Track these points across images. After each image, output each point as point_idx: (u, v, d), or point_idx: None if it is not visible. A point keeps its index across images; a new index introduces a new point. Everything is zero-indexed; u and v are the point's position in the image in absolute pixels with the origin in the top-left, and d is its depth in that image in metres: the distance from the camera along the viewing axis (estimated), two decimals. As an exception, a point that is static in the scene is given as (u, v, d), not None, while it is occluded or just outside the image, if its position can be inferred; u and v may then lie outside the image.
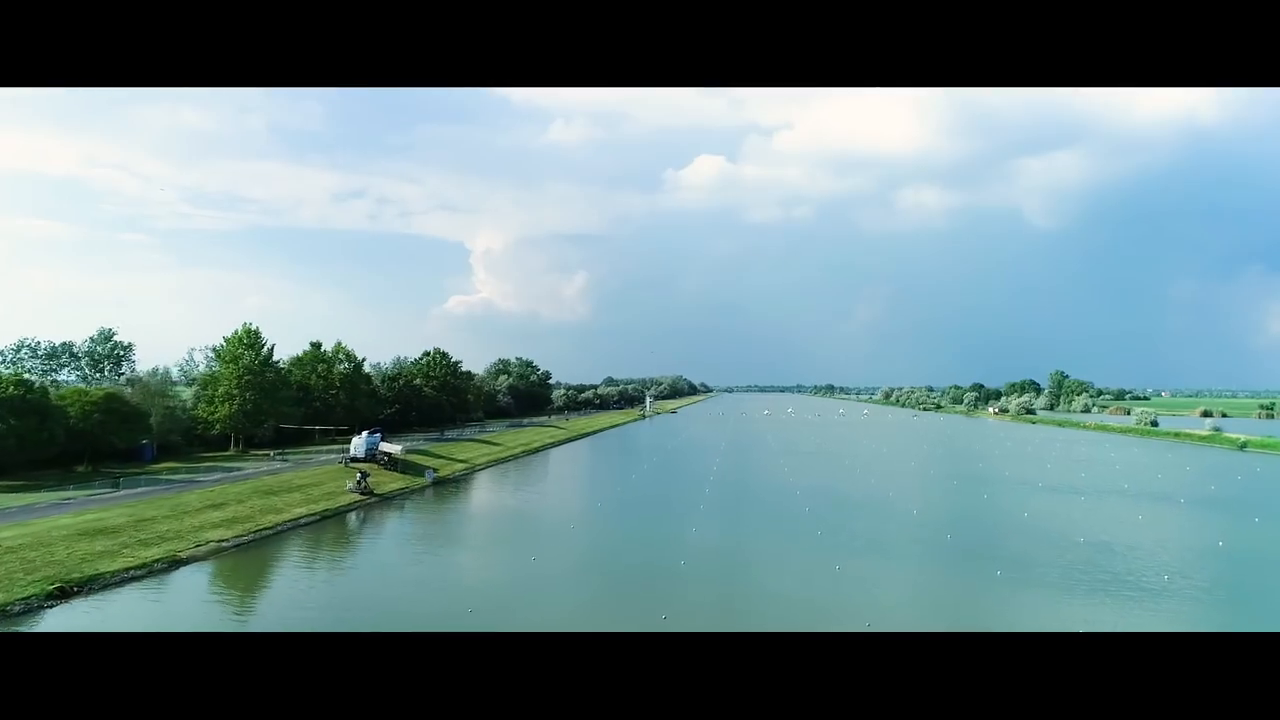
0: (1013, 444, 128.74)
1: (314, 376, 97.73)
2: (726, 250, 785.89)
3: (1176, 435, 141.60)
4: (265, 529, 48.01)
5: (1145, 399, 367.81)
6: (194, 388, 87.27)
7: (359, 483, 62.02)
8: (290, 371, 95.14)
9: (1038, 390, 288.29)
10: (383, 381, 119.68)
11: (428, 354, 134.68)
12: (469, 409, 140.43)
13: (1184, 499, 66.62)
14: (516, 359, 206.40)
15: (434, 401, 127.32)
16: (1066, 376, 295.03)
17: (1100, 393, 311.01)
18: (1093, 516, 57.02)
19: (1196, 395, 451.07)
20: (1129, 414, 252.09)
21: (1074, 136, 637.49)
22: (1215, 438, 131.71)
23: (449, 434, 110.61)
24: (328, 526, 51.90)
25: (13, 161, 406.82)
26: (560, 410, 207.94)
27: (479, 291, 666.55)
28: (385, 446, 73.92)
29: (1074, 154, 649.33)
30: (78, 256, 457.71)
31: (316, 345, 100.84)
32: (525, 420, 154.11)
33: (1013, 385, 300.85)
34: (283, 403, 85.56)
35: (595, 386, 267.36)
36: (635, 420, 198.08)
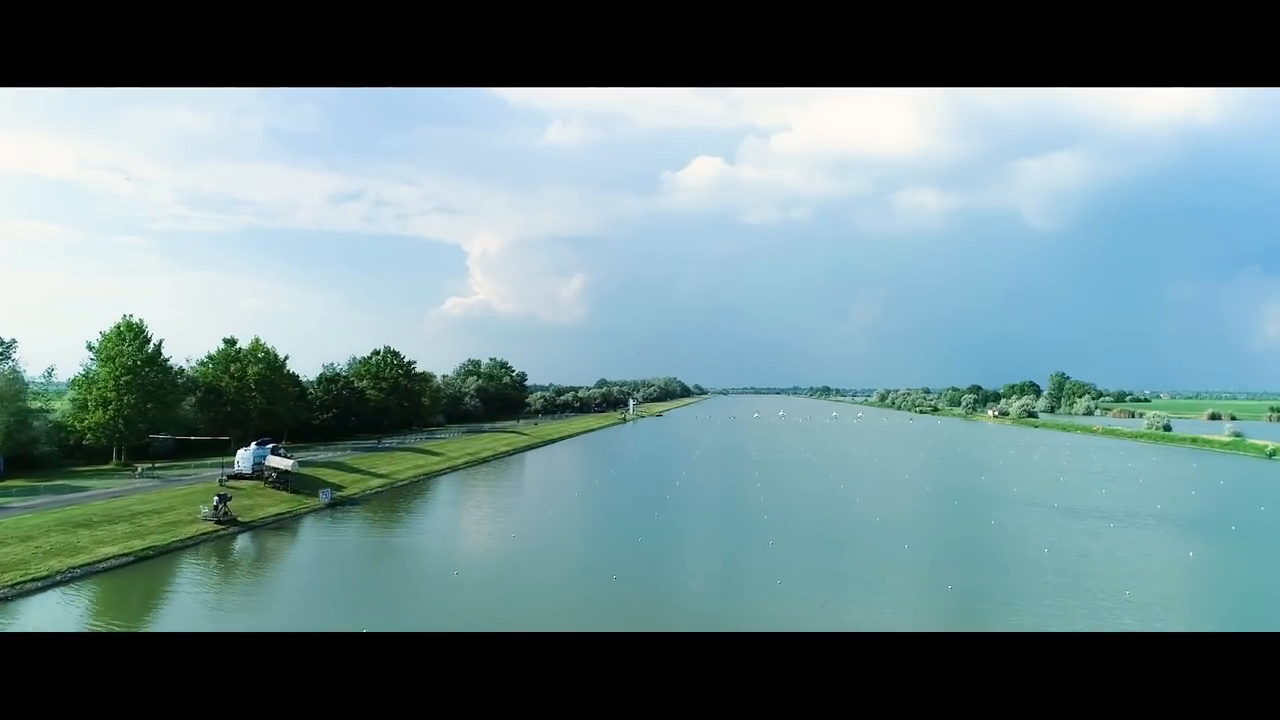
0: (1016, 451, 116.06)
1: (226, 378, 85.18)
2: (724, 252, 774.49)
3: (1194, 441, 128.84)
4: (31, 581, 35.30)
5: (1145, 401, 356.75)
6: (70, 391, 74.50)
7: (216, 508, 49.32)
8: (187, 372, 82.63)
9: (1037, 392, 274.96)
10: (319, 383, 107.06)
11: (377, 353, 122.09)
12: (424, 413, 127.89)
13: (1235, 525, 54.00)
14: (490, 359, 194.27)
15: (380, 405, 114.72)
16: (1067, 378, 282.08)
17: (1099, 394, 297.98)
18: (1134, 555, 44.35)
19: (1197, 397, 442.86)
20: (1134, 416, 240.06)
21: (1073, 137, 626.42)
22: (1238, 444, 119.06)
23: (389, 442, 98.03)
24: (133, 572, 39.12)
25: (7, 163, 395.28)
26: (537, 414, 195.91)
27: (476, 293, 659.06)
28: (274, 460, 61.21)
29: (1073, 155, 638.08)
30: (74, 259, 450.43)
31: (230, 342, 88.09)
32: (489, 425, 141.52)
33: (1011, 387, 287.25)
34: (172, 407, 72.94)
35: (578, 389, 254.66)
36: (615, 424, 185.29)
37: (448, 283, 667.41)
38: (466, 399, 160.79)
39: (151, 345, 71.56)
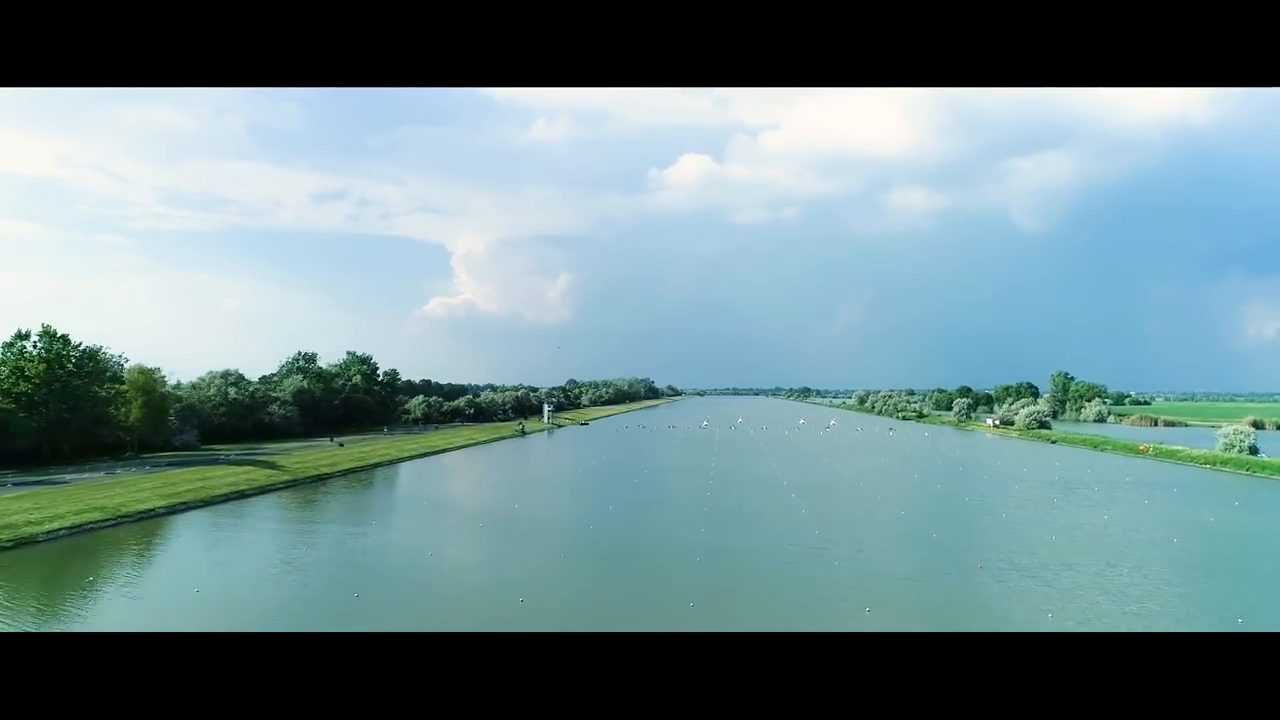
0: (1061, 498, 67.37)
1: None
2: (712, 251, 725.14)
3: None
4: None
5: (1146, 403, 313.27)
6: None
7: None
8: None
9: (1035, 394, 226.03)
10: None
11: (21, 335, 72.83)
12: (120, 429, 78.52)
13: None
14: (349, 353, 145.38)
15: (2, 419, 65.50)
16: (1071, 378, 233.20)
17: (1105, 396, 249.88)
18: None
19: (1193, 398, 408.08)
20: (1155, 424, 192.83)
21: (1064, 137, 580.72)
22: None
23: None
24: None
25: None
26: (418, 422, 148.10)
27: (460, 294, 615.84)
28: None
29: (1063, 155, 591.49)
30: (54, 258, 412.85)
31: None
32: (244, 449, 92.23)
33: (1006, 389, 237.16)
34: None
35: (535, 389, 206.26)
36: (501, 439, 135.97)
37: (432, 283, 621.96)
38: (275, 406, 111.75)
39: None
